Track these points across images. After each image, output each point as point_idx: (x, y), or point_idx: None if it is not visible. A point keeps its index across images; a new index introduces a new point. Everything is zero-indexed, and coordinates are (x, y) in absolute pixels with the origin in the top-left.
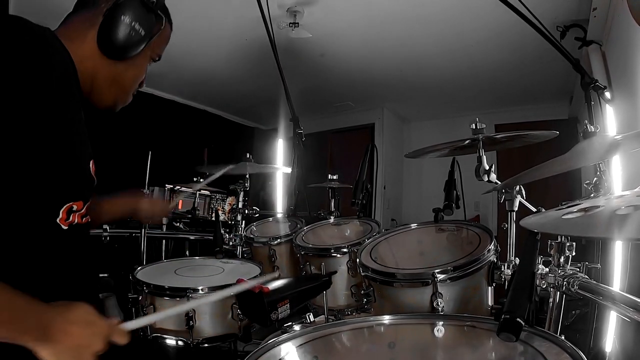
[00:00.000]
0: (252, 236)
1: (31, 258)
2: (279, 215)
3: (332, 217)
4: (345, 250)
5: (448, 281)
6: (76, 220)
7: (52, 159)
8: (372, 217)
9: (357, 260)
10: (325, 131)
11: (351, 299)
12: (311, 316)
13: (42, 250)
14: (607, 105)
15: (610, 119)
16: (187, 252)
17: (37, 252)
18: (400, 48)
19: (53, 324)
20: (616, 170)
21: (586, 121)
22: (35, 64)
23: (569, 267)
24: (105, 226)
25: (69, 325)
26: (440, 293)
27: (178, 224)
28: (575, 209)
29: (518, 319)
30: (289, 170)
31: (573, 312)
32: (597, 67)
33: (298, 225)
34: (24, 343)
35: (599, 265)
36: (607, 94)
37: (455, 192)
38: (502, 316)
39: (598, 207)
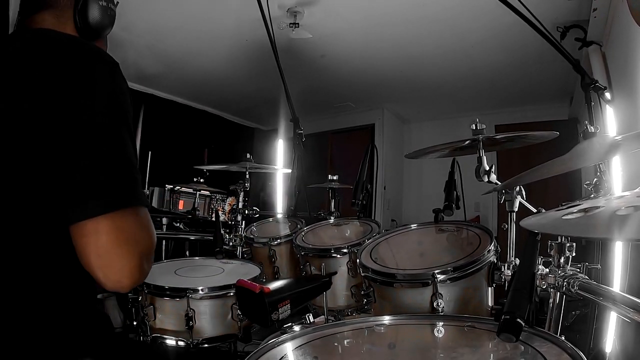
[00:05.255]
0: (252, 236)
1: (38, 259)
2: (279, 216)
3: (332, 218)
4: (345, 250)
5: (448, 282)
6: None
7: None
8: (372, 218)
9: (357, 260)
10: (325, 132)
11: (351, 299)
12: (311, 317)
13: (50, 251)
14: (607, 106)
15: (610, 120)
16: (187, 253)
17: (45, 253)
18: (401, 49)
19: None
20: (616, 171)
21: (586, 122)
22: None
23: (569, 267)
24: None
25: None
26: (441, 294)
27: (178, 224)
28: (575, 209)
29: (518, 320)
30: (289, 170)
31: (573, 312)
32: (597, 68)
33: (298, 226)
34: None
35: (599, 266)
36: (607, 95)
37: (455, 192)
38: (502, 317)
39: (598, 207)
